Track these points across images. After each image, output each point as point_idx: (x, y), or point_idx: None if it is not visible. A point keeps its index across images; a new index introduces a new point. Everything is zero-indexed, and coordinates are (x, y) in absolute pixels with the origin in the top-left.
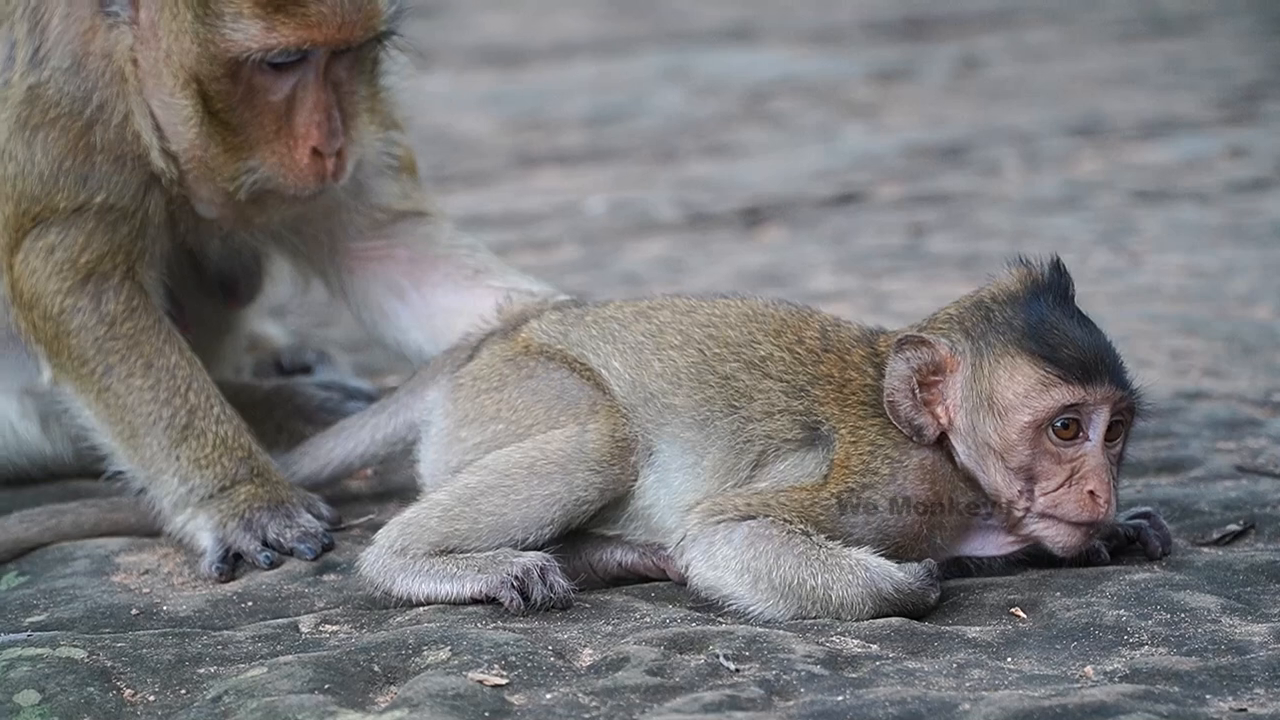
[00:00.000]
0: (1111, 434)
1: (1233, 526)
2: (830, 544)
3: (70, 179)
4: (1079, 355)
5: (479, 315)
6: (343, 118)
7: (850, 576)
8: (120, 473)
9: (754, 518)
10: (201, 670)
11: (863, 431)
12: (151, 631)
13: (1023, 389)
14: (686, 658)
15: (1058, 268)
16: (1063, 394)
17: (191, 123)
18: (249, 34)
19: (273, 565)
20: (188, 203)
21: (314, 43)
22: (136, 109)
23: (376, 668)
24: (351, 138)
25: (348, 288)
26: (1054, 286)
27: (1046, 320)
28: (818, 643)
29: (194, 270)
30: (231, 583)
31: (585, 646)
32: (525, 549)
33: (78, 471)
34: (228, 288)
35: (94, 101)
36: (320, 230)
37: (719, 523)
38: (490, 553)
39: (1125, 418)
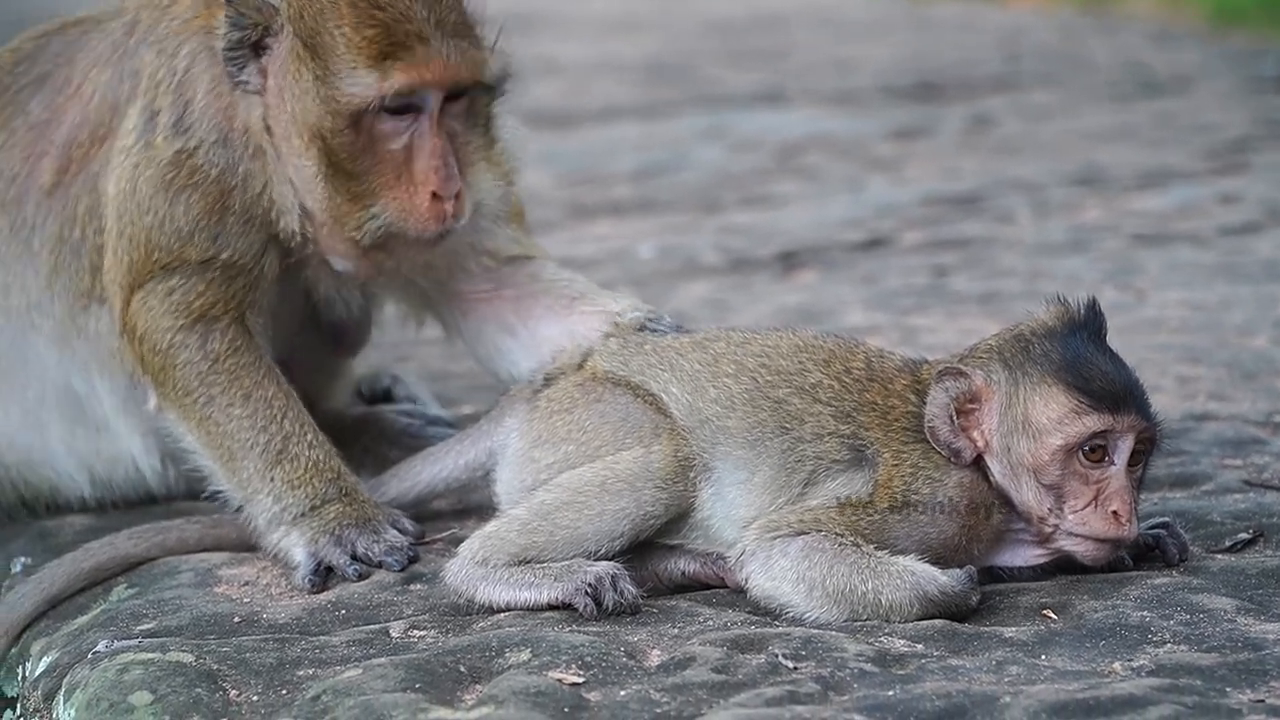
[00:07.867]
0: (1134, 460)
1: (1243, 535)
2: (879, 553)
3: (204, 236)
4: (1109, 387)
5: (579, 338)
6: (459, 164)
7: (898, 581)
8: (219, 491)
9: (807, 533)
10: (301, 672)
11: (905, 454)
12: (253, 637)
13: (1057, 415)
14: (748, 657)
15: (1093, 307)
16: (1093, 421)
17: (318, 178)
18: (365, 84)
19: (361, 577)
20: (324, 263)
21: (424, 83)
22: (276, 176)
23: (463, 668)
24: (468, 183)
25: (463, 328)
26: (1089, 324)
27: (1081, 354)
28: (868, 643)
29: (308, 321)
30: (325, 593)
31: (654, 648)
32: (597, 560)
33: (184, 495)
34: (338, 338)
35: (239, 173)
36: (442, 274)
37: (775, 538)
38: (565, 563)
39: (1147, 446)
